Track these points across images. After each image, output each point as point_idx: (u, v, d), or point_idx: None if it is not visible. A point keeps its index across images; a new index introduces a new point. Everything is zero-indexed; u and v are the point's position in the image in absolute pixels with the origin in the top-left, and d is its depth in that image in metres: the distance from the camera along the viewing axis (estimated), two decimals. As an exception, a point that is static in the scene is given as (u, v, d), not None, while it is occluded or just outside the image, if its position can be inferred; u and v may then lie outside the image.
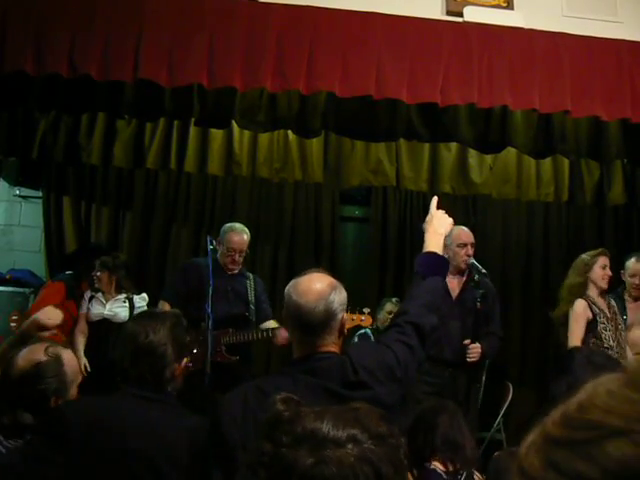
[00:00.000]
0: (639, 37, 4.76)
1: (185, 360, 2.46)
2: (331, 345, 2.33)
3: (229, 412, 2.19)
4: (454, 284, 4.99)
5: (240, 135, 6.42)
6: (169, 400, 2.40)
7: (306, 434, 1.31)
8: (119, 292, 5.47)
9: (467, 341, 4.75)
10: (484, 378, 6.23)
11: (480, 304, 4.80)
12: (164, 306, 5.01)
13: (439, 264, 2.76)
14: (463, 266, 4.93)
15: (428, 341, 2.53)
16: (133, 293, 5.50)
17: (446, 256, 2.91)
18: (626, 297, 5.49)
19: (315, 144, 6.56)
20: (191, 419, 2.41)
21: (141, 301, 5.49)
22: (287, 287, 2.38)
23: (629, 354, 5.20)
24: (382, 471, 1.27)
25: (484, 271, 4.88)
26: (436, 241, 2.77)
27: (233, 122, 5.52)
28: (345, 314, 2.38)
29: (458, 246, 4.90)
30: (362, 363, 2.30)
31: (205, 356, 4.42)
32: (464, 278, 5.00)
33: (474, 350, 4.74)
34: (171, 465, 2.24)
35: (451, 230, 4.87)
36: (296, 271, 6.85)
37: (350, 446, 1.28)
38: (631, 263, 5.45)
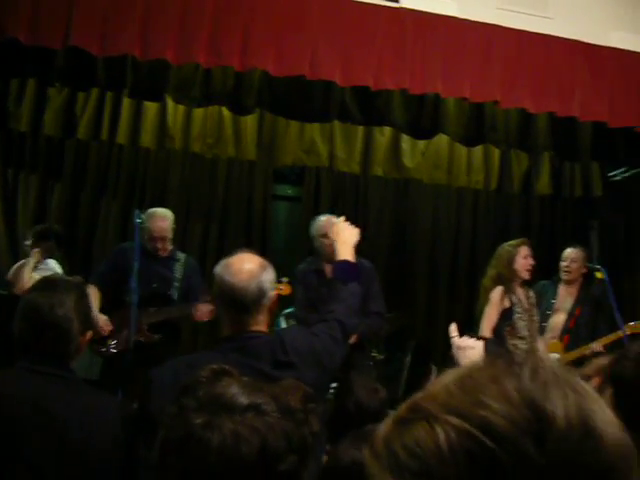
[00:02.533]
0: (568, 34, 4.88)
1: (89, 333, 2.37)
2: (262, 324, 2.45)
3: (158, 388, 2.21)
4: (329, 270, 5.04)
5: (174, 109, 6.35)
6: (72, 377, 2.31)
7: (209, 399, 1.35)
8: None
9: None
10: (408, 360, 6.37)
11: None
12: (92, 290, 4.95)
13: (353, 271, 2.96)
14: (328, 256, 4.92)
15: (348, 337, 2.74)
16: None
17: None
18: (559, 283, 5.74)
19: (249, 121, 6.53)
20: (100, 397, 2.37)
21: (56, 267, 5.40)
22: (217, 268, 2.47)
23: (546, 338, 5.43)
24: (270, 443, 1.30)
25: None
26: (347, 250, 2.98)
27: (167, 95, 5.46)
28: (274, 292, 2.51)
29: (321, 237, 4.87)
30: (293, 345, 2.44)
31: (129, 335, 4.37)
32: None
33: None
34: (74, 444, 2.16)
35: (316, 221, 4.99)
36: (227, 248, 6.91)
37: (250, 415, 1.32)
38: (567, 250, 5.74)
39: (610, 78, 4.94)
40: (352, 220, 3.14)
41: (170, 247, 5.11)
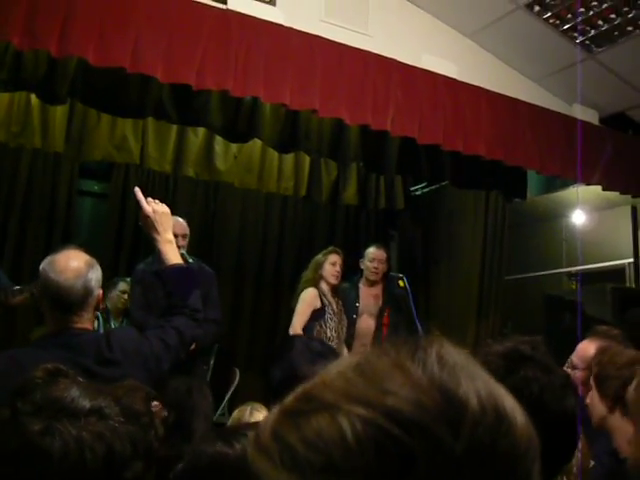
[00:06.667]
0: (385, 52, 5.09)
1: None
2: (87, 322, 2.40)
3: None
4: None
5: (-25, 92, 5.91)
6: None
7: (46, 402, 1.26)
8: None
9: None
10: (212, 362, 6.33)
11: None
12: None
13: (189, 276, 2.80)
14: None
15: (187, 348, 2.68)
16: None
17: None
18: (361, 285, 5.99)
19: (59, 112, 6.23)
20: None
21: None
22: (42, 265, 2.39)
23: (356, 345, 5.68)
24: (116, 449, 1.25)
25: (190, 261, 4.90)
26: (172, 250, 2.74)
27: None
28: (100, 291, 2.44)
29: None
30: (120, 343, 2.41)
31: None
32: None
33: None
34: None
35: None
36: (27, 244, 6.56)
37: (92, 419, 1.25)
38: (371, 249, 5.99)
39: (420, 97, 5.20)
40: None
41: None
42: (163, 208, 2.80)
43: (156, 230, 2.72)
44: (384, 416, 0.62)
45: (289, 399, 0.69)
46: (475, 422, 0.63)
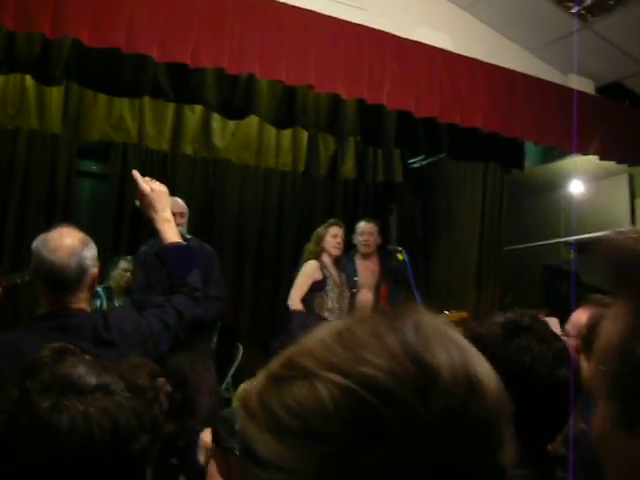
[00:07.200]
0: (379, 26, 5.08)
1: None
2: (82, 302, 2.35)
3: None
4: None
5: (-31, 75, 5.90)
6: None
7: (54, 380, 1.31)
8: None
9: None
10: (216, 339, 6.40)
11: None
12: None
13: (188, 255, 2.74)
14: None
15: (187, 327, 2.60)
16: None
17: None
18: (356, 259, 6.07)
19: (55, 92, 6.22)
20: None
21: None
22: (35, 243, 2.33)
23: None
24: (121, 423, 1.29)
25: (188, 237, 4.92)
26: (171, 228, 2.70)
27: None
28: (96, 269, 2.38)
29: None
30: (117, 323, 2.36)
31: None
32: None
33: None
34: None
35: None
36: (27, 225, 6.56)
37: (99, 395, 1.30)
38: (361, 224, 6.11)
39: (416, 70, 5.20)
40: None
41: None
42: (160, 187, 2.75)
43: (154, 209, 2.67)
44: (359, 384, 0.65)
45: (274, 364, 0.72)
46: (446, 391, 0.66)
